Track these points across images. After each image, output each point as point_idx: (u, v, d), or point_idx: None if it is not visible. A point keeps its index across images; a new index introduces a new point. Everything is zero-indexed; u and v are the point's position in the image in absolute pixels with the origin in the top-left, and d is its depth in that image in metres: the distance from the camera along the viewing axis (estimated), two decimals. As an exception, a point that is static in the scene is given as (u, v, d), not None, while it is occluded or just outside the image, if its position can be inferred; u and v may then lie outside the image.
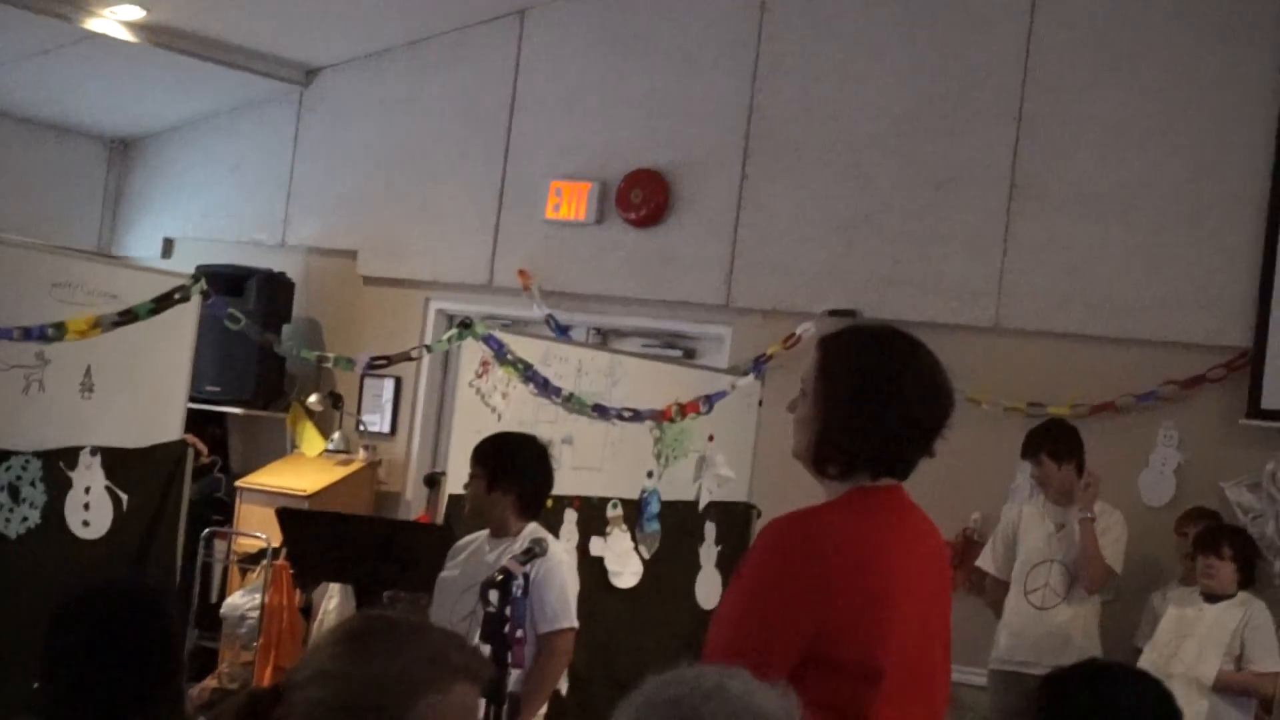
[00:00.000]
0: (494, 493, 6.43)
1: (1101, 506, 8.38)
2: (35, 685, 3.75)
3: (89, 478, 7.32)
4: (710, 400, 9.03)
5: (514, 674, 5.36)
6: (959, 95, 9.51)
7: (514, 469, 6.47)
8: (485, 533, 6.54)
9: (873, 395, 3.39)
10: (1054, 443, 8.40)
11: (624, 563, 8.47)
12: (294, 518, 7.88)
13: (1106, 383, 8.96)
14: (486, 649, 5.37)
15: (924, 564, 3.49)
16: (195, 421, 8.79)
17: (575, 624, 6.49)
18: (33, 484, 7.07)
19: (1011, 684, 8.09)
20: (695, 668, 2.30)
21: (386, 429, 10.73)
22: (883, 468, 3.44)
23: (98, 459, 7.35)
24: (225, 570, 9.99)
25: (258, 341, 8.93)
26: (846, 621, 3.28)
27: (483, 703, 5.29)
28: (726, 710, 2.19)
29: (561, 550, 6.92)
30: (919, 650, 3.40)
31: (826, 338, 3.56)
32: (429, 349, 9.10)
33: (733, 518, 9.27)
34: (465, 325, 7.86)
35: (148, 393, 7.68)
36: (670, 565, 8.79)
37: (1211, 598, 7.86)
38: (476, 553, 6.47)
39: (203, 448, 8.15)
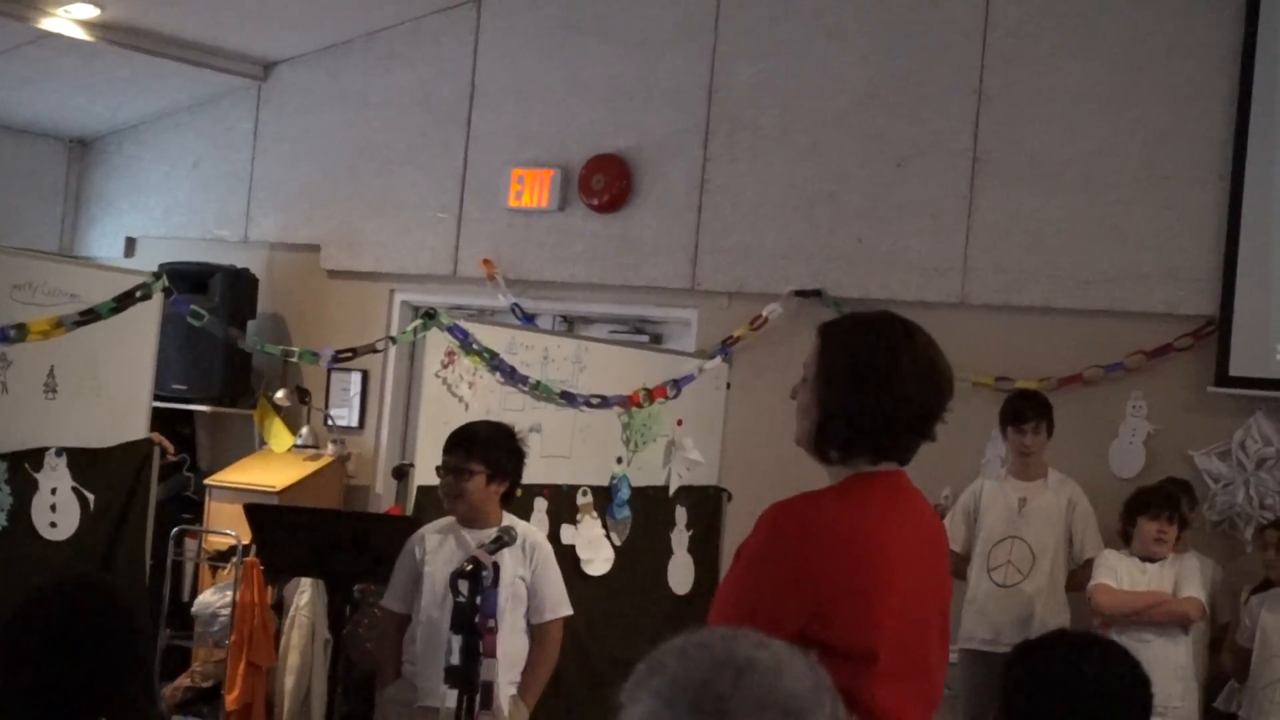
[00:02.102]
0: (491, 485, 6.43)
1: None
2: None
3: (55, 479, 7.27)
4: (678, 384, 9.02)
5: (485, 663, 5.34)
6: (918, 71, 9.49)
7: (511, 461, 6.48)
8: (450, 520, 6.51)
9: (869, 381, 3.48)
10: (1051, 414, 8.37)
11: (595, 550, 8.46)
12: (263, 513, 7.83)
13: (1074, 355, 8.96)
14: (458, 639, 5.38)
15: (921, 547, 3.58)
16: (163, 420, 8.75)
17: (571, 610, 6.59)
18: (-2, 487, 7.03)
19: (979, 661, 8.09)
20: (722, 636, 2.15)
21: (355, 423, 10.68)
22: (881, 452, 3.53)
23: (63, 460, 7.29)
24: (196, 569, 9.95)
25: (223, 338, 8.88)
26: (841, 605, 3.37)
27: (455, 693, 5.33)
28: (755, 697, 2.06)
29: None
30: (914, 632, 3.49)
31: (826, 325, 3.67)
32: (393, 341, 9.06)
33: (703, 501, 9.26)
34: (429, 316, 7.83)
35: (112, 392, 7.63)
36: (642, 551, 8.78)
37: (1148, 559, 7.83)
38: (460, 544, 6.42)
39: (168, 446, 8.10)
